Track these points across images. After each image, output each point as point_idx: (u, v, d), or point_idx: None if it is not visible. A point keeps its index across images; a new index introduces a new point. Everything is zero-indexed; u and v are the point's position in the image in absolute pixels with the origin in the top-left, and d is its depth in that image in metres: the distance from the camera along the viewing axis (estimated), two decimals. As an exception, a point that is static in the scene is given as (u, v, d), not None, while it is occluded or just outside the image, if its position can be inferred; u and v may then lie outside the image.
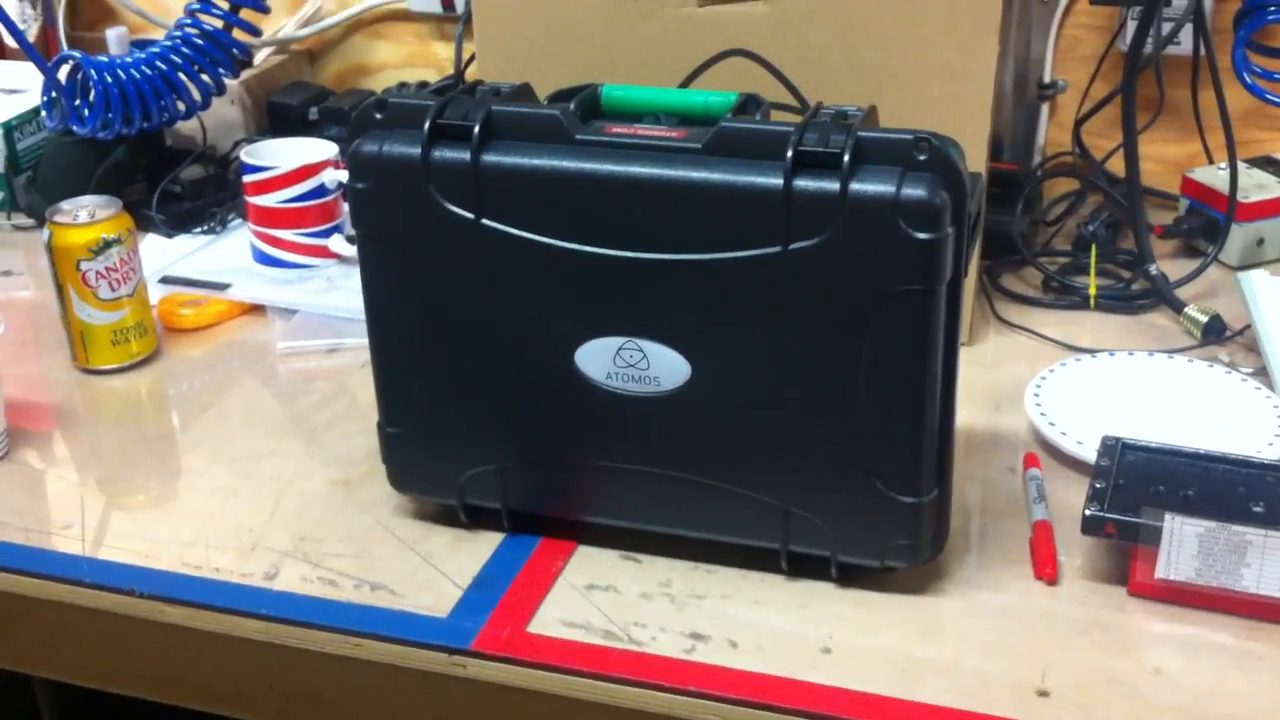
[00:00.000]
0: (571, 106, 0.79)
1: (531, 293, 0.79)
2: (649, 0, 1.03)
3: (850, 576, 0.82)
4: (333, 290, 1.23)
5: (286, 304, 1.22)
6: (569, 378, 0.80)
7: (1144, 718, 0.72)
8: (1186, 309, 1.12)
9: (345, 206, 1.29)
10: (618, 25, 1.05)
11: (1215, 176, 1.24)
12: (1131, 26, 1.29)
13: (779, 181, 0.72)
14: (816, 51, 1.00)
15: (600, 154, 0.76)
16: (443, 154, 0.78)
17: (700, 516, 0.83)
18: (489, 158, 0.77)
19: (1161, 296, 1.15)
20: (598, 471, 0.83)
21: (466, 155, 0.77)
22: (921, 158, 0.72)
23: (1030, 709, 0.73)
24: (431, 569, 0.86)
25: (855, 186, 0.71)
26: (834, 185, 0.72)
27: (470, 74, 1.45)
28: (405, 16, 1.58)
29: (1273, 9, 1.14)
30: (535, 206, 0.77)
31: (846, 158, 0.72)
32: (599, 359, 0.80)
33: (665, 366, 0.79)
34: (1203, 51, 1.22)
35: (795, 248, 0.73)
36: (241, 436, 1.02)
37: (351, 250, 1.27)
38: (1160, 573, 0.78)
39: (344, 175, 1.26)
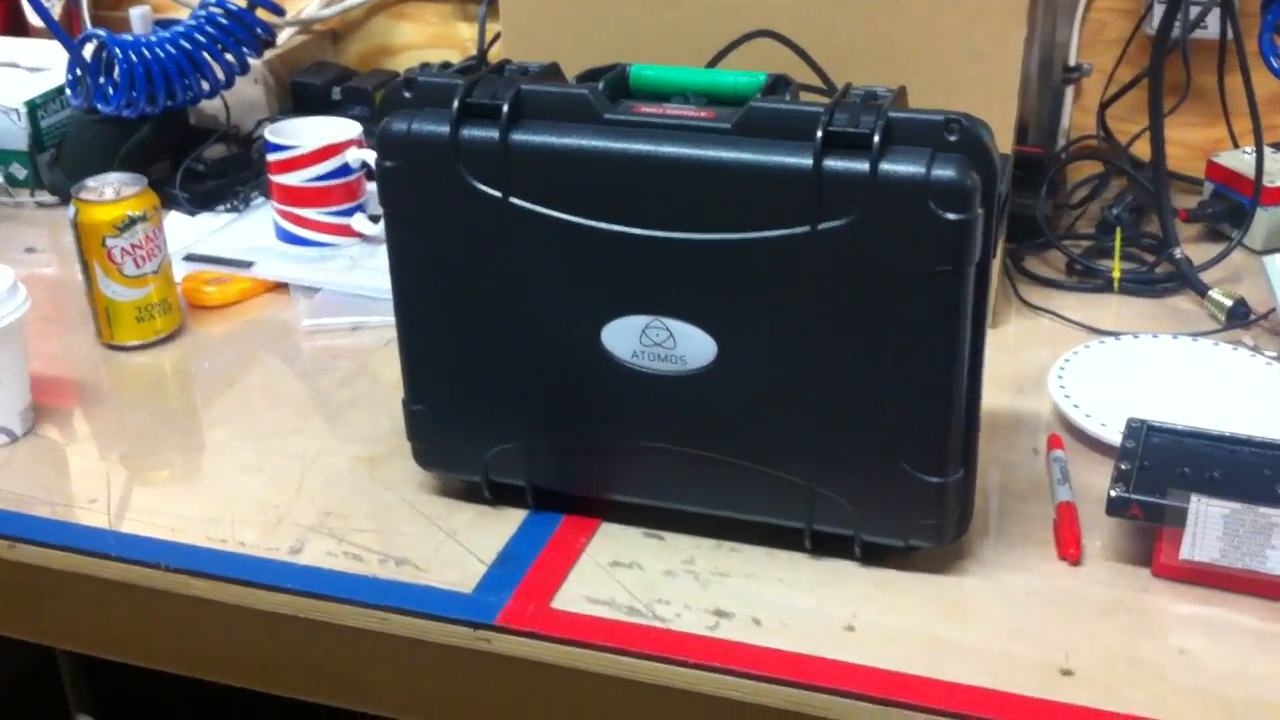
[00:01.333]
0: (600, 86, 0.79)
1: (558, 271, 0.80)
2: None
3: (874, 556, 0.82)
4: (356, 269, 1.24)
5: (310, 282, 1.22)
6: (595, 356, 0.81)
7: (1168, 698, 0.72)
8: (1211, 293, 1.11)
9: (368, 185, 1.29)
10: (644, 5, 1.05)
11: (1240, 160, 1.23)
12: (1158, 10, 1.29)
13: (808, 161, 0.72)
14: (843, 33, 1.00)
15: (629, 134, 0.76)
16: (471, 133, 0.78)
17: (725, 495, 0.83)
18: (517, 137, 0.77)
19: (1186, 280, 1.14)
20: (623, 450, 0.83)
21: (495, 134, 0.77)
22: (952, 139, 0.72)
23: (1054, 689, 0.73)
24: (456, 545, 0.86)
25: (885, 167, 0.71)
26: (864, 165, 0.72)
27: (495, 54, 1.45)
28: (431, -3, 1.58)
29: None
30: (563, 186, 0.77)
31: (877, 138, 0.72)
32: (625, 338, 0.80)
33: (691, 346, 0.79)
34: (1230, 35, 1.21)
35: (824, 228, 0.73)
36: (265, 414, 1.02)
37: (375, 229, 1.27)
38: (1185, 554, 0.78)
39: (367, 154, 1.27)
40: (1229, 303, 1.09)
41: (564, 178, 0.77)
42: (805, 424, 0.79)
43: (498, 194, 0.79)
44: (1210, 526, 0.77)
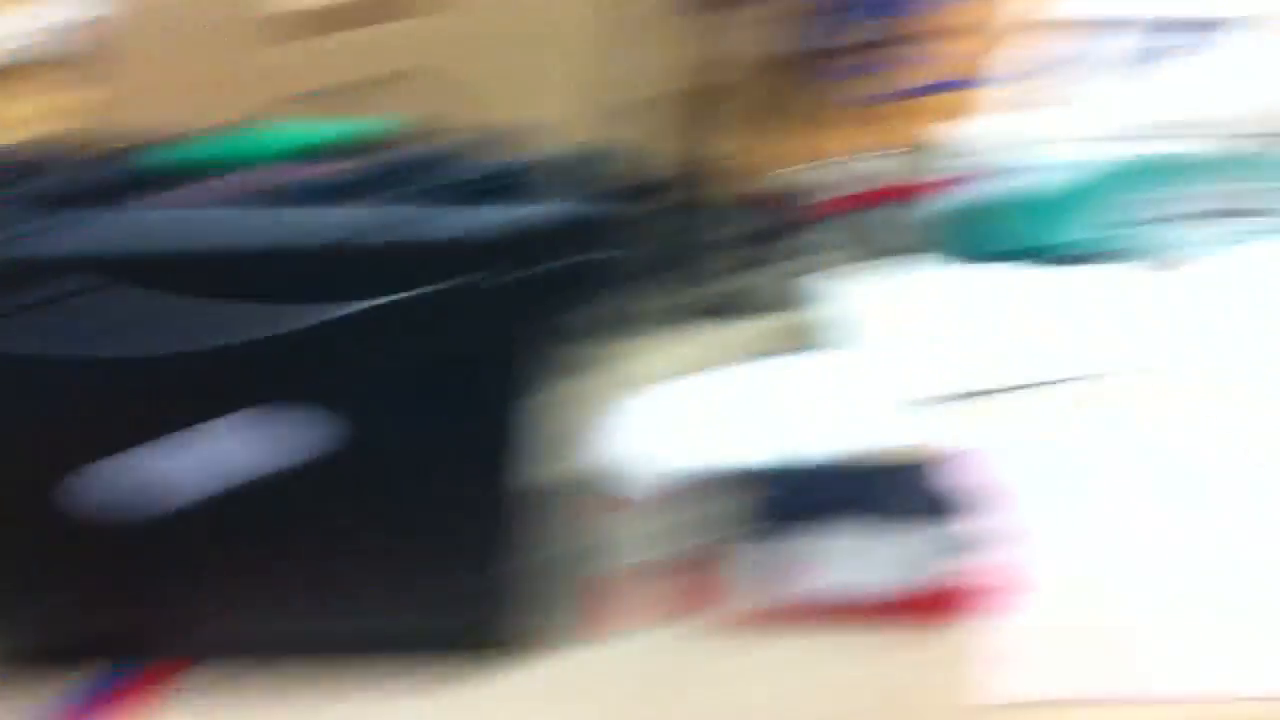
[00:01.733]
0: (135, 169, 0.69)
1: (49, 413, 0.69)
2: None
3: (439, 665, 0.77)
4: None
5: None
6: (87, 502, 0.70)
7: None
8: (770, 314, 1.11)
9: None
10: (224, 67, 0.97)
11: (809, 177, 1.24)
12: (732, 32, 1.27)
13: (400, 219, 0.65)
14: (444, 76, 0.95)
15: (164, 225, 0.66)
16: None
17: (257, 634, 0.76)
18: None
19: (740, 305, 1.14)
20: (148, 601, 0.75)
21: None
22: (560, 181, 0.67)
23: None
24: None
25: (496, 216, 0.65)
26: (463, 219, 0.65)
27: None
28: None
29: (859, 7, 1.16)
30: (65, 305, 0.66)
31: (487, 186, 0.66)
32: (125, 476, 0.70)
33: (203, 470, 0.70)
34: (799, 49, 1.22)
35: (425, 292, 0.65)
36: None
37: None
38: (746, 599, 0.77)
39: None
40: (798, 322, 1.10)
41: (59, 298, 0.66)
42: (343, 537, 0.72)
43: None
44: (764, 565, 0.76)
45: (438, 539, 0.73)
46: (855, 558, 0.76)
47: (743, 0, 1.20)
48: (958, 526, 0.77)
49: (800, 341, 1.10)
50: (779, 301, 1.16)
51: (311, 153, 0.73)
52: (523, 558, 0.75)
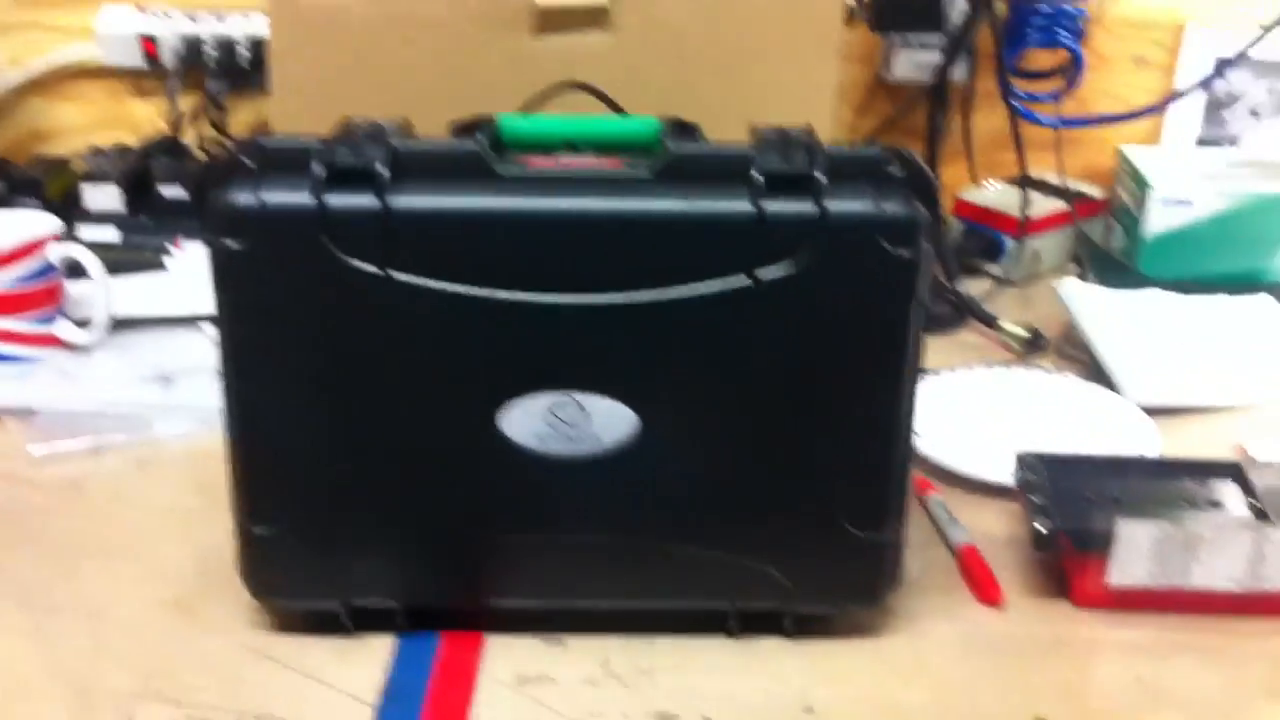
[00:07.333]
0: (484, 139, 0.70)
1: (450, 352, 0.69)
2: (479, 31, 0.94)
3: (800, 628, 0.76)
4: (70, 382, 1.06)
5: (19, 404, 1.03)
6: (492, 443, 0.70)
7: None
8: (1001, 323, 1.14)
9: (71, 286, 1.12)
10: (443, 60, 0.95)
11: (987, 196, 1.28)
12: (900, 56, 1.31)
13: (748, 206, 0.66)
14: (656, 82, 0.94)
15: (534, 190, 0.67)
16: (343, 200, 0.66)
17: (641, 584, 0.75)
18: (400, 201, 0.67)
19: (973, 313, 1.16)
20: (526, 547, 0.74)
21: (371, 200, 0.66)
22: (893, 172, 0.67)
23: (1036, 739, 0.70)
24: (324, 687, 0.73)
25: (833, 205, 0.66)
26: (808, 206, 0.66)
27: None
28: (94, 74, 1.39)
29: (1031, 32, 1.20)
30: (456, 254, 0.67)
31: (820, 176, 0.66)
32: (529, 420, 0.70)
33: (607, 421, 0.70)
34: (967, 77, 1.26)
35: (766, 277, 0.67)
36: (19, 566, 0.84)
37: (86, 336, 1.09)
38: (1114, 579, 0.77)
39: (74, 250, 1.10)
40: (1024, 331, 1.12)
41: (458, 245, 0.67)
42: (736, 494, 0.72)
43: (375, 269, 0.67)
44: (1139, 548, 0.76)
45: (834, 498, 0.72)
46: (1215, 551, 0.77)
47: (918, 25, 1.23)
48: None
49: (1034, 345, 1.12)
50: (998, 311, 1.17)
51: (581, 144, 0.74)
52: (902, 524, 0.75)
